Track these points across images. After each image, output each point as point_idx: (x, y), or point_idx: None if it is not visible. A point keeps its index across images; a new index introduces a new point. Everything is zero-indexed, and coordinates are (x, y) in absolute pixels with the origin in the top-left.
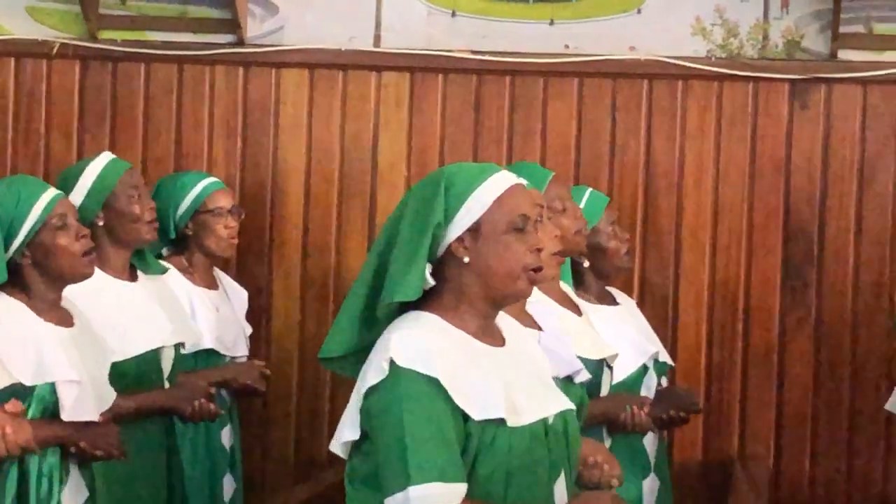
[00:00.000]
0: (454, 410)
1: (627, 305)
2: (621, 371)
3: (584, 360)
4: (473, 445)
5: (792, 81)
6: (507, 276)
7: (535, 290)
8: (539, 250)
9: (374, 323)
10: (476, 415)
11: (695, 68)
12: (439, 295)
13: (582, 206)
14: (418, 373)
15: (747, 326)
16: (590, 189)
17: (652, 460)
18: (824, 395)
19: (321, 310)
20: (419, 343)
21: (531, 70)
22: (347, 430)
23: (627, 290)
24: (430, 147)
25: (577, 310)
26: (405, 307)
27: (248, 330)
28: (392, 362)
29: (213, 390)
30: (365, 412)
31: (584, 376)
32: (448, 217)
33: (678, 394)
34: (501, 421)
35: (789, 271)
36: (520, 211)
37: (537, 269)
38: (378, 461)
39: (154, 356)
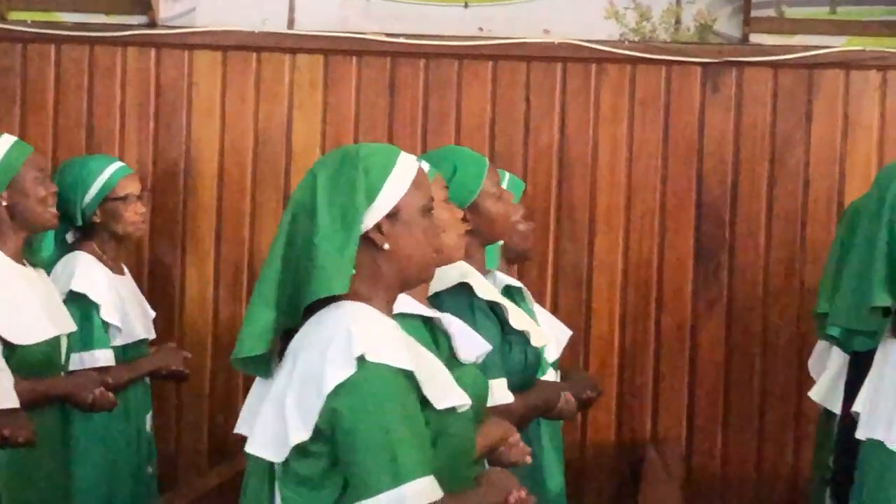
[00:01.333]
0: (419, 401)
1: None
2: (552, 354)
3: (536, 350)
4: (431, 434)
5: (704, 65)
6: (423, 260)
7: (479, 275)
8: (441, 232)
9: (289, 317)
10: (439, 404)
11: (608, 52)
12: (352, 283)
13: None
14: (390, 367)
15: (660, 308)
16: (507, 173)
17: None
18: (736, 376)
19: (235, 293)
20: (382, 336)
21: (445, 53)
22: (296, 431)
23: (542, 273)
24: (344, 130)
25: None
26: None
27: (152, 313)
28: (362, 358)
29: (110, 380)
30: (331, 412)
31: (481, 358)
32: (367, 202)
33: (583, 375)
34: (451, 408)
35: (701, 253)
36: (429, 193)
37: (440, 251)
38: (347, 461)
39: (56, 343)
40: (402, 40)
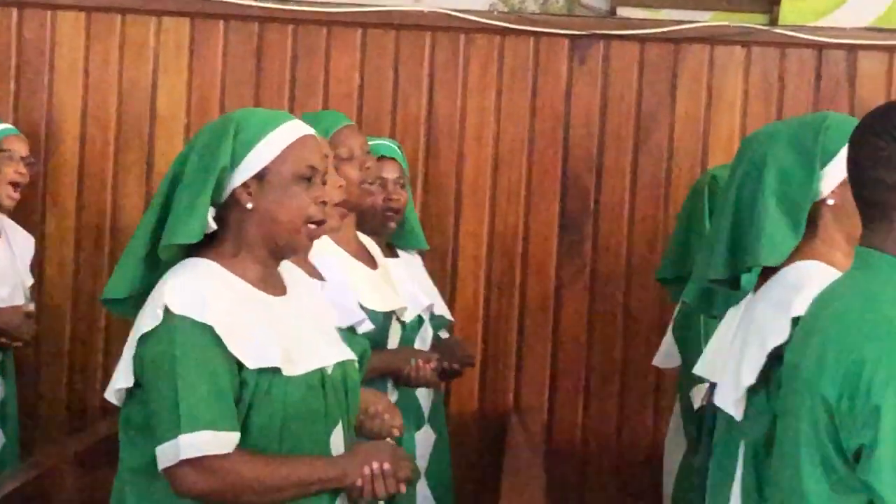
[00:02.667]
0: (229, 359)
1: (406, 258)
2: (409, 314)
3: (371, 312)
4: (248, 394)
5: (572, 37)
6: (289, 226)
7: (328, 240)
8: (324, 203)
9: (157, 265)
10: (251, 363)
11: (477, 22)
12: (221, 241)
13: None
14: (193, 320)
15: (524, 279)
16: (379, 141)
17: (426, 412)
18: (598, 347)
19: (96, 257)
20: (194, 290)
21: (314, 19)
22: (122, 378)
23: None
24: (210, 94)
25: (372, 263)
26: (190, 251)
27: (29, 281)
28: (166, 309)
29: None
30: (139, 360)
31: (366, 326)
32: (235, 161)
33: (453, 346)
34: (277, 370)
35: (566, 225)
36: (308, 162)
37: (320, 223)
38: (151, 409)
39: None
40: (269, 5)
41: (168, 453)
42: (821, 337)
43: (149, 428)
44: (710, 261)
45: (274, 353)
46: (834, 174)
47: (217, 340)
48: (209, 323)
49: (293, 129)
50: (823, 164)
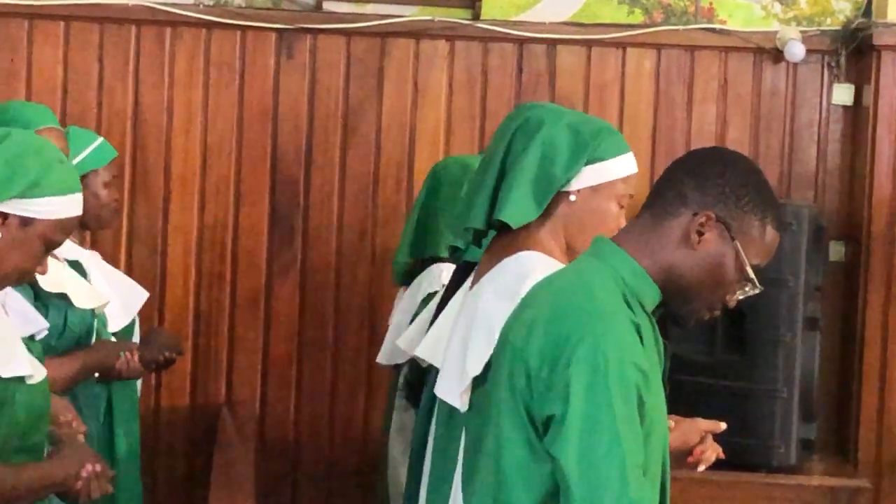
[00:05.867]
0: None
1: (94, 255)
2: (119, 321)
3: (82, 311)
4: None
5: (279, 31)
6: (13, 272)
7: None
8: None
9: None
10: (3, 372)
11: (182, 15)
12: None
13: (87, 153)
14: None
15: (235, 272)
16: (101, 139)
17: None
18: (309, 339)
19: None
20: None
21: (15, 12)
22: None
23: (116, 236)
24: None
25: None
26: None
27: None
28: None
29: None
30: None
31: (42, 333)
32: (11, 196)
33: (164, 335)
34: (20, 378)
35: (276, 218)
36: (64, 230)
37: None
38: None
39: None
40: None
41: None
42: (534, 310)
43: None
44: (470, 211)
45: (24, 361)
46: (589, 176)
47: None
48: None
49: (73, 202)
50: (588, 162)
